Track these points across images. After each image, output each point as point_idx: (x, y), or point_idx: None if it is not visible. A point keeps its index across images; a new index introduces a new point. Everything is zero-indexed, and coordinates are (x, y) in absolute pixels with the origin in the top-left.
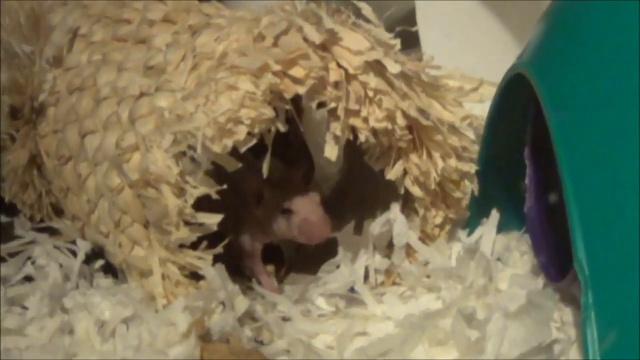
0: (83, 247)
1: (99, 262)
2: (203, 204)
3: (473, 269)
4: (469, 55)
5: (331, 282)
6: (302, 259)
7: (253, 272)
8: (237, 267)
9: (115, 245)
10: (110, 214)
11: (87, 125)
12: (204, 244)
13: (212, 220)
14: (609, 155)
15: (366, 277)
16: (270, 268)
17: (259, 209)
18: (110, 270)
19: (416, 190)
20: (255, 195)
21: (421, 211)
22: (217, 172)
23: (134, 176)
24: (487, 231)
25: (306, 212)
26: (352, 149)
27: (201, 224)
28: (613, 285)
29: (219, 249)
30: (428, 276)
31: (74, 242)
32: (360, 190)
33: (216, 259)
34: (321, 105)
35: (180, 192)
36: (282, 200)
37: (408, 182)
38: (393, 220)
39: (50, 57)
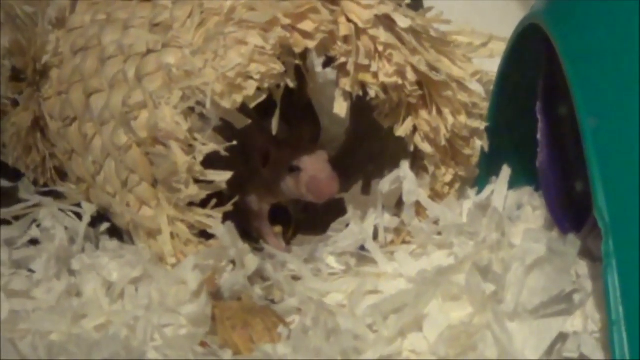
0: (88, 210)
1: (105, 225)
2: (209, 164)
3: (485, 225)
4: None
5: (341, 240)
6: (310, 220)
7: (261, 233)
8: (244, 230)
9: (122, 206)
10: (117, 173)
11: (93, 84)
12: (213, 201)
13: (222, 177)
14: (628, 103)
15: (376, 236)
16: (278, 229)
17: (266, 169)
18: (115, 233)
19: (426, 147)
20: (263, 154)
21: (431, 169)
22: (223, 132)
23: (142, 134)
24: (499, 187)
25: (314, 169)
26: (358, 107)
27: (210, 182)
28: (634, 232)
29: (229, 207)
30: (439, 233)
31: (78, 205)
32: (367, 149)
33: (225, 218)
34: (327, 64)
35: (189, 149)
36: (290, 158)
37: (418, 139)
38: (402, 178)
39: (53, 18)
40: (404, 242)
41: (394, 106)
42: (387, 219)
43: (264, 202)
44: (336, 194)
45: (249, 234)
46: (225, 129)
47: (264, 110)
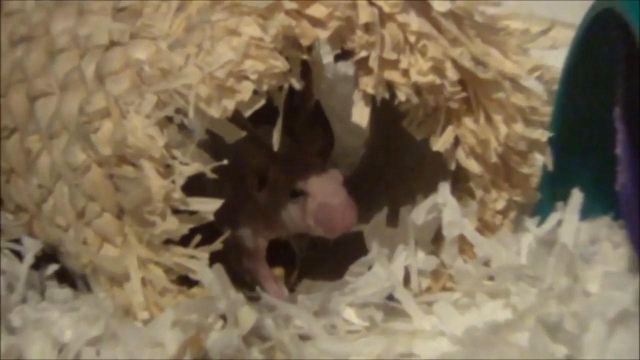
0: (31, 248)
1: (52, 268)
2: (192, 190)
3: (551, 267)
4: None
5: (362, 288)
6: (319, 261)
7: (256, 276)
8: (236, 274)
9: (77, 243)
10: (71, 201)
11: (39, 85)
12: (197, 238)
13: (208, 206)
14: None
15: (407, 282)
16: (279, 271)
17: (262, 193)
18: (67, 279)
19: (472, 165)
20: (259, 174)
21: (479, 193)
22: (209, 148)
23: (105, 150)
24: (568, 217)
25: (324, 194)
26: (383, 112)
27: (193, 213)
28: None
29: (218, 245)
30: (490, 278)
31: (18, 242)
32: (394, 167)
33: (213, 259)
34: (341, 57)
35: (166, 170)
36: (293, 180)
37: (461, 155)
38: (441, 205)
39: None
40: (444, 288)
41: (429, 112)
42: (422, 259)
43: (261, 237)
44: (353, 227)
45: (243, 279)
46: (211, 144)
47: (260, 117)
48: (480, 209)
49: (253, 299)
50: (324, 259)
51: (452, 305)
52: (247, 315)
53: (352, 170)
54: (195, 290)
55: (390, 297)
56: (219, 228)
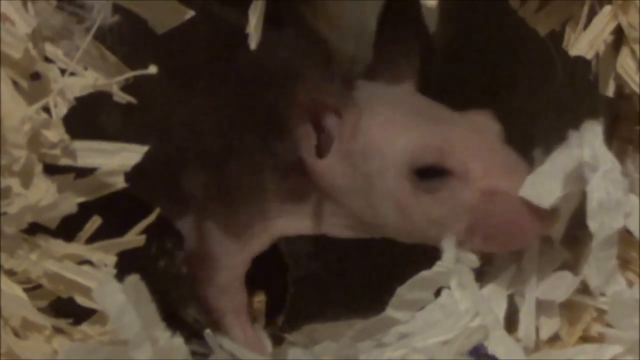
0: None
1: None
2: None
3: None
4: None
5: (421, 333)
6: (323, 280)
7: (213, 309)
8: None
9: None
10: None
11: None
12: (92, 222)
13: (117, 159)
14: None
15: (512, 322)
16: (258, 301)
17: (322, 163)
18: None
19: None
20: (314, 121)
21: None
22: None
23: None
24: None
25: (493, 171)
26: None
27: (85, 173)
28: None
29: (135, 238)
30: None
31: None
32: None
33: (125, 266)
34: None
35: (33, 85)
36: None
37: (627, 65)
38: (587, 165)
39: None
40: (586, 337)
41: None
42: (543, 281)
43: (255, 241)
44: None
45: (174, 304)
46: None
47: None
48: None
49: (199, 353)
50: (329, 279)
51: None
52: None
53: None
54: (86, 327)
55: (477, 352)
56: (169, 220)
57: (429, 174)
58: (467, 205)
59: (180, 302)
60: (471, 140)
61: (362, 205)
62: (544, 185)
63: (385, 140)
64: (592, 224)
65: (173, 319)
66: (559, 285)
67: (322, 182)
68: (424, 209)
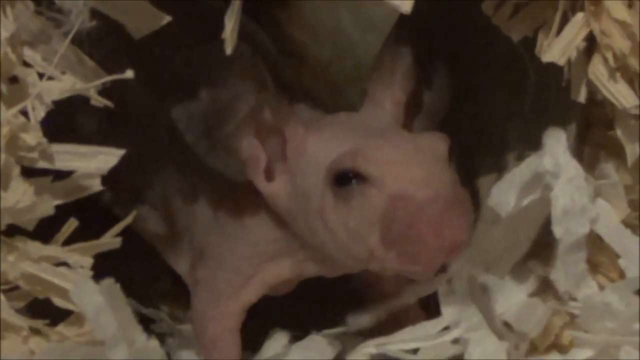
0: None
1: None
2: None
3: None
4: None
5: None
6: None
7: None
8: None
9: None
10: None
11: None
12: (69, 224)
13: (94, 163)
14: None
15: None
16: None
17: (275, 184)
18: None
19: (622, 92)
20: (263, 142)
21: (632, 152)
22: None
23: None
24: None
25: (405, 177)
26: None
27: (63, 175)
28: None
29: (111, 240)
30: None
31: None
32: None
33: (101, 269)
34: None
35: (13, 88)
36: (340, 154)
37: (599, 72)
38: (550, 174)
39: None
40: (557, 345)
41: None
42: (509, 287)
43: (250, 288)
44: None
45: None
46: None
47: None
48: (635, 183)
49: None
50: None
51: None
52: None
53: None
54: (63, 328)
55: None
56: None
57: (346, 181)
58: (378, 211)
59: (156, 300)
60: (398, 150)
61: (304, 226)
62: (504, 194)
63: (321, 155)
64: (557, 230)
65: (150, 321)
66: (524, 288)
67: (275, 207)
68: (341, 218)
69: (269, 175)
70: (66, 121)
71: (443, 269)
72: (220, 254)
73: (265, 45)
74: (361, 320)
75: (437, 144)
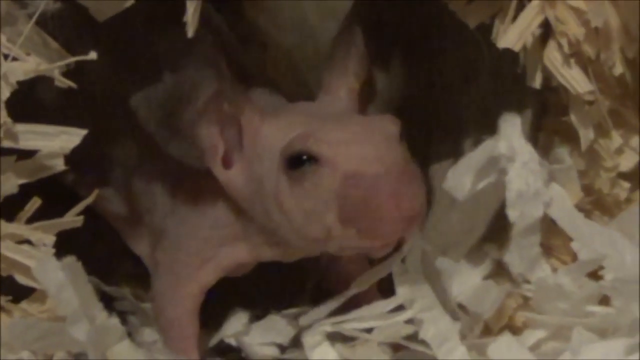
0: None
1: None
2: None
3: None
4: None
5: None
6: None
7: (168, 341)
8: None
9: None
10: None
11: None
12: (32, 203)
13: (56, 142)
14: None
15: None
16: None
17: (234, 171)
18: None
19: (576, 78)
20: (220, 126)
21: (585, 137)
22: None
23: None
24: None
25: (356, 156)
26: None
27: (26, 155)
28: None
29: (73, 219)
30: (604, 300)
31: None
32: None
33: (66, 249)
34: None
35: None
36: (293, 137)
37: (554, 58)
38: (505, 158)
39: None
40: (512, 325)
41: None
42: (464, 268)
43: (208, 267)
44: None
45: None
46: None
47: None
48: (588, 168)
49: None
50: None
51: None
52: (125, 354)
53: None
54: (26, 305)
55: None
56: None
57: (299, 163)
58: (332, 190)
59: (120, 279)
60: (348, 131)
61: (260, 212)
62: (460, 178)
63: (275, 140)
64: (512, 214)
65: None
66: (480, 270)
67: (232, 194)
68: (297, 200)
69: (227, 163)
70: (27, 99)
71: (397, 247)
72: (178, 237)
73: (222, 30)
74: (319, 311)
75: (387, 125)
